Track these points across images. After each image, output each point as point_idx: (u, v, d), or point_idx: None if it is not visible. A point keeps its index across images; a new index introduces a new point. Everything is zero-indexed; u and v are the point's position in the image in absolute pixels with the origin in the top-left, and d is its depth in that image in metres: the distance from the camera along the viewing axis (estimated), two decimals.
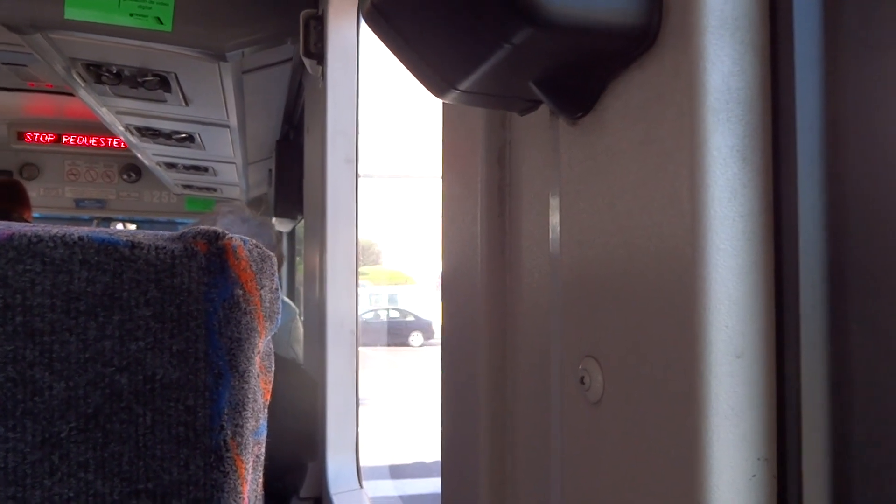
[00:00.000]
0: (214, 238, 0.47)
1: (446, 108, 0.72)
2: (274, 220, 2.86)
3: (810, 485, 0.35)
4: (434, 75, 0.46)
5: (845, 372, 0.36)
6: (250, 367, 0.47)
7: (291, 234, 4.09)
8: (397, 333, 17.56)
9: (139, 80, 1.96)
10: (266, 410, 0.52)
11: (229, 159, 3.10)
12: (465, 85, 0.44)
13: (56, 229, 0.45)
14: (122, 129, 2.59)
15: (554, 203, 0.50)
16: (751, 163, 0.36)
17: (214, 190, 3.84)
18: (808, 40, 0.36)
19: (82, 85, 2.03)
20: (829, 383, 0.36)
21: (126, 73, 1.92)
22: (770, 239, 0.36)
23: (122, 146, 3.32)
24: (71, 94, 2.25)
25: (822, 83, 0.36)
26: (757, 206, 0.36)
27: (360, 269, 1.71)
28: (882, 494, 0.34)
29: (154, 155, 3.02)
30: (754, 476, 0.36)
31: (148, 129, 2.56)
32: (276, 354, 0.56)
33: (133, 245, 0.45)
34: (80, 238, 0.44)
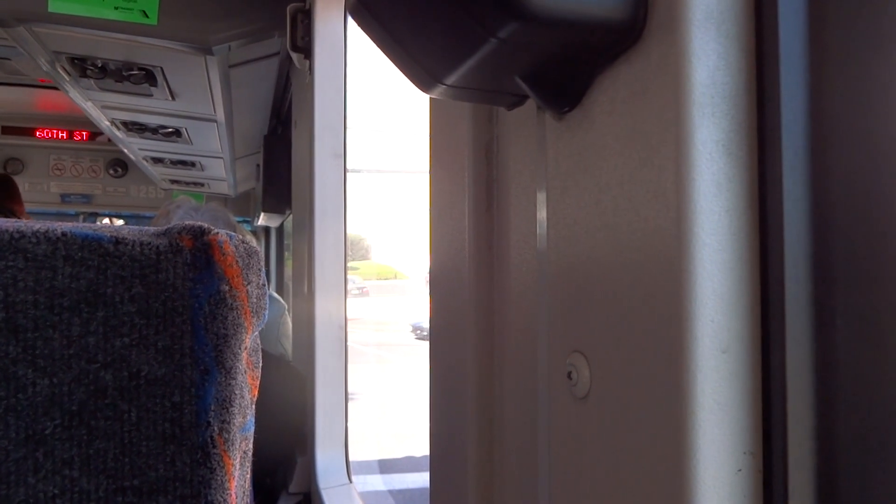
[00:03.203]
0: (200, 233, 0.46)
1: (433, 103, 0.72)
2: (262, 215, 2.85)
3: (795, 479, 0.35)
4: (420, 70, 0.45)
5: (831, 366, 0.36)
6: (237, 363, 0.47)
7: (280, 230, 4.08)
8: None
9: (125, 73, 1.94)
10: (253, 406, 0.52)
11: (216, 154, 3.09)
12: (451, 80, 0.44)
13: (38, 225, 0.44)
14: (107, 123, 2.57)
15: (541, 198, 0.50)
16: (736, 157, 0.36)
17: (202, 185, 3.82)
18: (793, 35, 0.36)
19: (67, 79, 2.02)
20: (815, 378, 0.36)
21: (111, 66, 1.91)
22: (755, 233, 0.37)
23: (108, 140, 3.30)
24: (56, 88, 2.23)
25: (808, 78, 0.36)
26: (742, 200, 0.36)
27: (349, 264, 1.71)
28: (866, 488, 0.34)
29: (140, 150, 3.00)
30: (740, 470, 0.36)
31: (134, 123, 2.54)
32: (263, 350, 0.56)
33: (117, 241, 0.45)
34: (63, 234, 0.44)
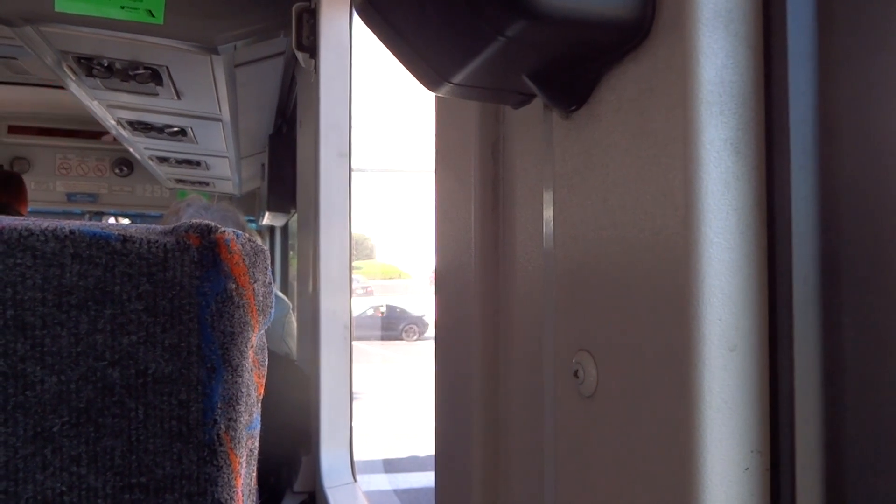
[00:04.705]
0: (207, 232, 0.46)
1: (439, 102, 0.72)
2: (267, 214, 2.86)
3: (803, 477, 0.35)
4: (427, 68, 0.45)
5: (838, 365, 0.36)
6: (243, 361, 0.47)
7: (285, 229, 4.08)
8: None
9: (130, 73, 1.95)
10: (259, 404, 0.52)
11: (222, 153, 3.09)
12: (458, 78, 0.44)
13: (47, 223, 0.44)
14: (113, 122, 2.57)
15: (547, 197, 0.50)
16: (744, 156, 0.36)
17: (207, 184, 3.83)
18: (801, 33, 0.36)
19: (73, 78, 2.02)
20: (822, 376, 0.36)
21: (117, 66, 1.91)
22: (763, 232, 0.37)
23: (114, 140, 3.31)
24: (62, 88, 2.23)
25: (816, 76, 0.36)
26: (750, 199, 0.36)
27: (353, 264, 1.71)
28: (874, 487, 0.34)
29: (146, 149, 3.01)
30: (747, 469, 0.36)
31: (140, 122, 2.55)
32: (268, 349, 0.56)
33: (125, 239, 0.45)
34: (72, 232, 0.44)
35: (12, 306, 0.42)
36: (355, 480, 1.60)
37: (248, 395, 0.48)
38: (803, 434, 0.35)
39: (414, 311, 18.98)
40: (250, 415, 0.49)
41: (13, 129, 3.68)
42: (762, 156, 0.37)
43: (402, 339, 18.22)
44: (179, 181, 3.76)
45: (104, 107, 2.35)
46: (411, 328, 18.69)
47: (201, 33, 1.70)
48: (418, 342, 17.93)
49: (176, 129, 2.64)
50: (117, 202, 4.06)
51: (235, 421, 0.46)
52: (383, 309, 19.58)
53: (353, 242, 1.69)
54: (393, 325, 18.79)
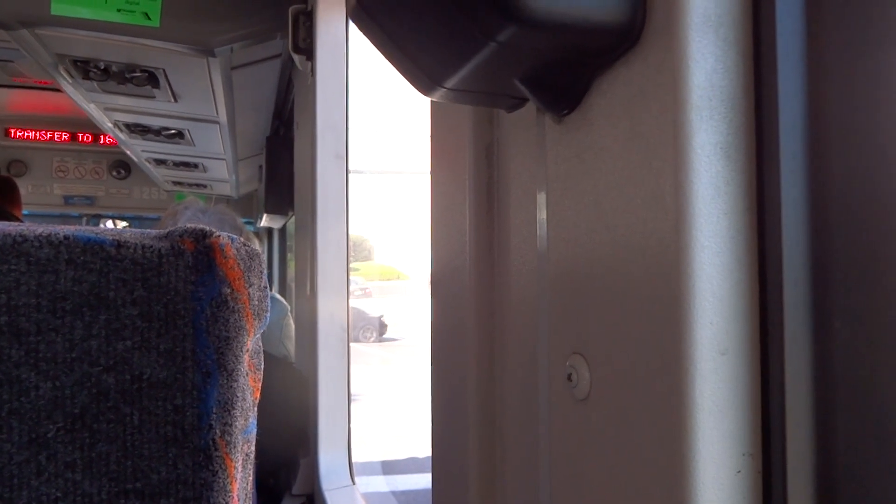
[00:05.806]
0: (201, 236, 0.47)
1: (434, 106, 0.72)
2: (265, 216, 2.85)
3: (795, 480, 0.36)
4: (421, 73, 0.46)
5: (829, 368, 0.36)
6: (239, 366, 0.47)
7: (283, 231, 4.08)
8: None
9: (127, 76, 1.95)
10: (255, 409, 0.52)
11: (219, 155, 3.09)
12: (451, 83, 0.44)
13: (41, 228, 0.44)
14: (110, 125, 2.57)
15: (541, 200, 0.50)
16: (734, 160, 0.36)
17: (204, 186, 3.83)
18: (790, 37, 0.36)
19: (70, 81, 2.02)
20: (814, 379, 0.36)
21: (114, 69, 1.91)
22: (754, 236, 0.37)
23: (112, 143, 3.31)
24: (59, 90, 2.23)
25: (805, 80, 0.36)
26: (741, 203, 0.36)
27: (351, 265, 1.71)
28: (865, 490, 0.34)
29: (143, 151, 3.01)
30: (739, 472, 0.36)
31: (137, 125, 2.55)
32: (265, 352, 0.56)
33: (119, 244, 0.45)
34: (66, 237, 0.44)
35: (6, 312, 0.42)
36: (354, 482, 1.60)
37: (244, 399, 0.48)
38: (794, 437, 0.35)
39: (372, 312, 18.83)
40: (246, 419, 0.49)
41: (10, 132, 3.68)
42: (752, 160, 0.37)
43: (357, 341, 18.08)
44: (177, 183, 3.76)
45: (101, 109, 2.35)
46: (368, 329, 18.53)
47: (198, 36, 1.70)
48: (374, 344, 17.75)
49: (173, 131, 2.64)
50: (115, 205, 4.06)
51: (231, 426, 0.46)
52: None
53: (351, 244, 1.69)
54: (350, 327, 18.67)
